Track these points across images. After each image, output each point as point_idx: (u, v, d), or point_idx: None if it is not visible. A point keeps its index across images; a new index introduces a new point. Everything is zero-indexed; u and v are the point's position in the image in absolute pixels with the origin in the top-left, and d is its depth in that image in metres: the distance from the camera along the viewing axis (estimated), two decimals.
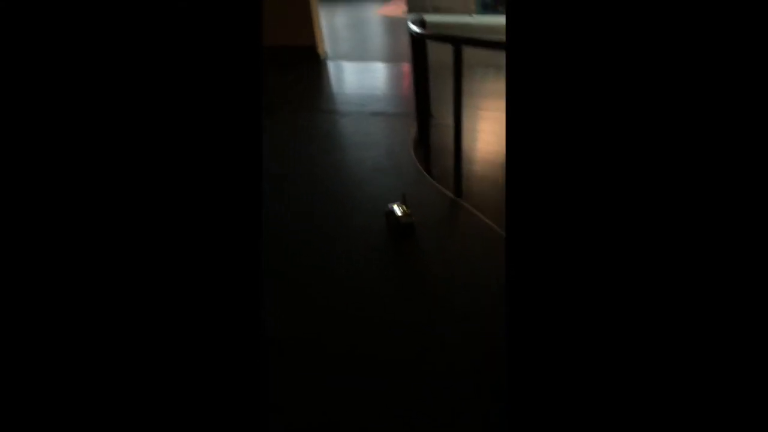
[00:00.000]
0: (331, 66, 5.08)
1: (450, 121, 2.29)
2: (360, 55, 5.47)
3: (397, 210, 2.16)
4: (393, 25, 7.12)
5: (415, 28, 2.52)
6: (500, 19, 6.87)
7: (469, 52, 2.04)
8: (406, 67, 4.88)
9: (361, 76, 4.67)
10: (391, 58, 5.39)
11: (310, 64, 5.10)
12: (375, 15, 7.94)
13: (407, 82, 4.39)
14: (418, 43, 2.59)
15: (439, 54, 2.62)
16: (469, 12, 7.76)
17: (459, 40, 2.03)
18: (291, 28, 5.13)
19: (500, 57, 2.39)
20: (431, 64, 2.67)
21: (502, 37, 1.40)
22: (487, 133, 3.19)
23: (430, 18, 6.65)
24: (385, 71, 4.88)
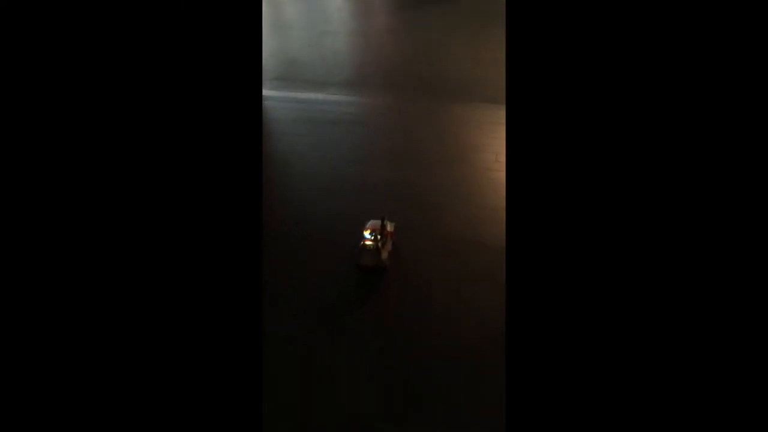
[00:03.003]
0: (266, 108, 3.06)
1: None
2: (310, 68, 3.36)
3: (368, 238, 1.54)
4: None
5: None
6: None
7: None
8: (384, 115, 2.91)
9: (318, 151, 2.64)
10: (366, 75, 3.31)
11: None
12: None
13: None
14: None
15: None
16: None
17: None
18: None
19: None
20: None
21: None
22: None
23: None
24: (362, 136, 2.81)
